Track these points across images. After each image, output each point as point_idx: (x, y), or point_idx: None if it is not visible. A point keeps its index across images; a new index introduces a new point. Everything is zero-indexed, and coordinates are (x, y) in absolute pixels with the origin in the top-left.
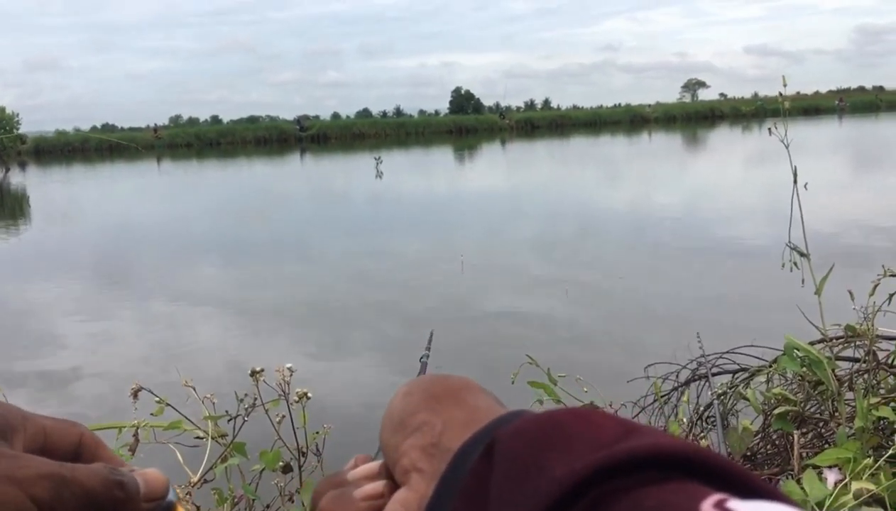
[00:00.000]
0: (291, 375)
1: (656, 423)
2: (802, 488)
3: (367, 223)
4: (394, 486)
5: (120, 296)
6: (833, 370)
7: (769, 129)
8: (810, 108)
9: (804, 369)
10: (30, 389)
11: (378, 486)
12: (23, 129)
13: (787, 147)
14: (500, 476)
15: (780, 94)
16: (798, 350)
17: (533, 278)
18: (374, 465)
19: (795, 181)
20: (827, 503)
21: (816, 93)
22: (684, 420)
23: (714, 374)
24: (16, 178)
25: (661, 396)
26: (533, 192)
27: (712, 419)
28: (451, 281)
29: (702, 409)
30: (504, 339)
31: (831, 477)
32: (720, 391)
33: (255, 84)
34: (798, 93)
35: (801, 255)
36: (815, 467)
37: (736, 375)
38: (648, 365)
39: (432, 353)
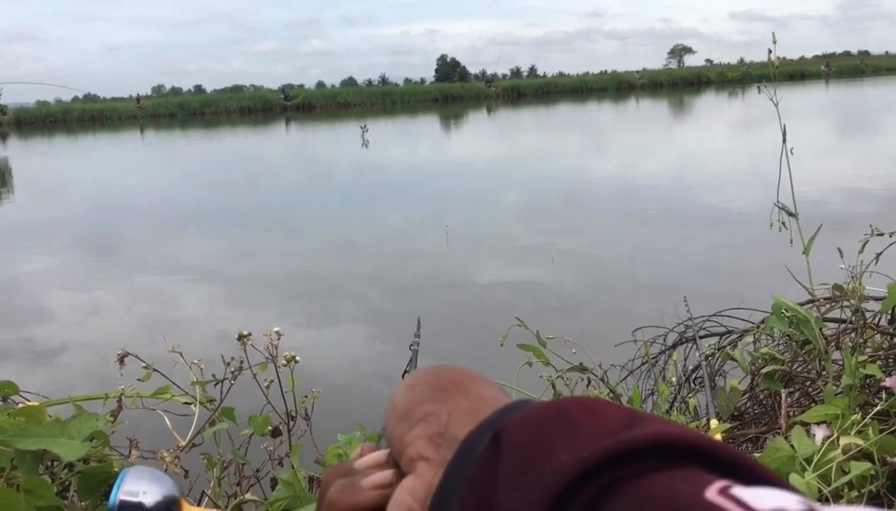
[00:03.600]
0: (279, 339)
1: (644, 385)
2: (791, 445)
3: (354, 193)
4: (401, 474)
5: (106, 268)
6: (820, 329)
7: (758, 87)
8: (796, 73)
9: (792, 329)
10: (17, 362)
11: (386, 474)
12: (2, 101)
13: (776, 105)
14: (507, 464)
15: (770, 51)
16: (786, 310)
17: (519, 247)
18: (381, 454)
19: (784, 140)
20: (815, 458)
21: (802, 58)
22: (673, 380)
23: (701, 337)
24: None
25: (650, 359)
26: (519, 160)
27: (700, 380)
28: (438, 250)
29: (690, 370)
30: (491, 307)
31: (820, 433)
32: (708, 353)
33: (237, 54)
34: (784, 58)
35: (790, 214)
36: (803, 424)
37: (723, 337)
38: (636, 329)
39: (422, 340)
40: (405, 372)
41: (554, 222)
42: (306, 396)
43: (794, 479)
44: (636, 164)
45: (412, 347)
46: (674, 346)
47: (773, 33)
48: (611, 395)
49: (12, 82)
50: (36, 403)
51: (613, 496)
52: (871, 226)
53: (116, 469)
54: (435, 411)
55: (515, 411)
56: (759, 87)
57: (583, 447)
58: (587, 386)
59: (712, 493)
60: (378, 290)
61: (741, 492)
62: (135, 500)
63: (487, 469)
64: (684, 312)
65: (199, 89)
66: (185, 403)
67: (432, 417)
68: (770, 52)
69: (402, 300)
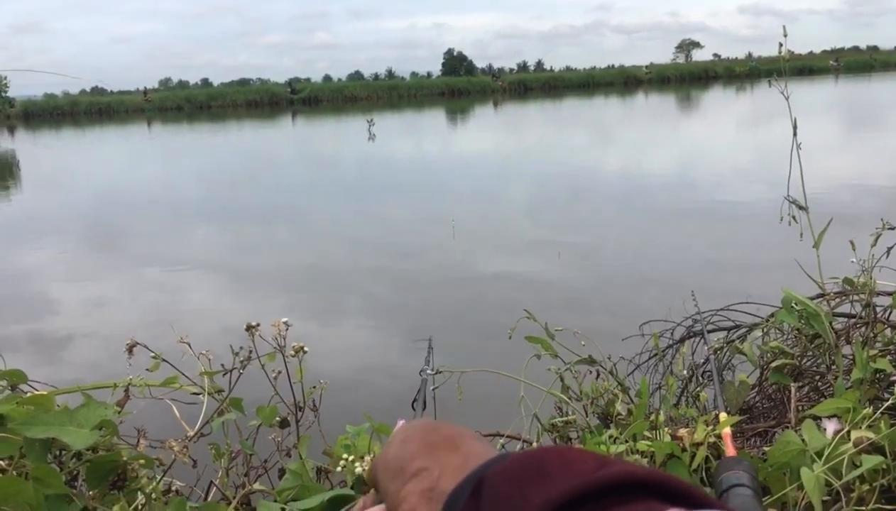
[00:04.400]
0: (287, 329)
1: (651, 379)
2: (802, 438)
3: (360, 187)
4: None
5: (112, 260)
6: (830, 323)
7: (769, 81)
8: (804, 68)
9: (801, 323)
10: (25, 354)
11: None
12: (10, 93)
13: (787, 99)
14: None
15: (781, 45)
16: (796, 303)
17: (525, 242)
18: (377, 510)
19: (795, 133)
20: (826, 452)
21: (810, 53)
22: (684, 372)
23: (709, 331)
24: (4, 142)
25: (656, 353)
26: (525, 154)
27: (708, 375)
28: (444, 245)
29: (697, 365)
30: (497, 302)
31: (831, 427)
32: (717, 346)
33: (243, 47)
34: (792, 53)
35: (800, 208)
36: (813, 418)
37: (731, 332)
38: (643, 323)
39: (429, 333)
40: (414, 401)
41: (560, 217)
42: (314, 387)
43: (804, 472)
44: (643, 160)
45: (422, 375)
46: (681, 340)
47: (783, 27)
48: (619, 388)
49: (23, 70)
50: (44, 392)
51: None
52: (882, 220)
53: (125, 458)
54: (427, 467)
55: (497, 463)
56: (769, 80)
57: (554, 489)
58: (596, 378)
59: None
60: (384, 284)
61: None
62: None
63: None
64: (691, 307)
65: (205, 82)
66: (194, 394)
67: (425, 473)
68: (781, 45)
69: (408, 294)
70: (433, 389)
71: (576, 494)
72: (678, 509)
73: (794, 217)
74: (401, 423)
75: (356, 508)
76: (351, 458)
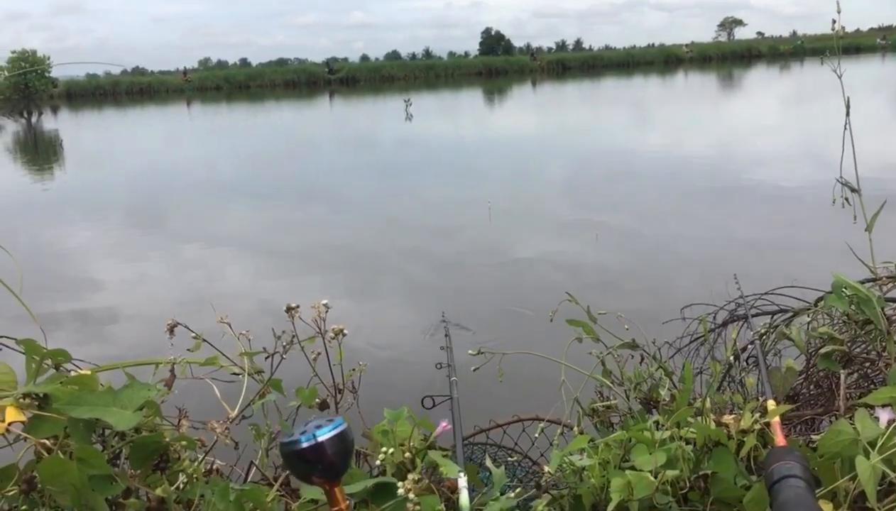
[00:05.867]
0: (327, 312)
1: (693, 363)
2: (854, 427)
3: (397, 167)
4: None
5: (153, 239)
6: (882, 309)
7: (821, 59)
8: (850, 46)
9: (852, 308)
10: (69, 331)
11: None
12: (54, 74)
13: (840, 77)
14: None
15: (834, 22)
16: (846, 288)
17: (562, 223)
18: None
19: (848, 113)
20: (880, 442)
21: (857, 31)
22: (731, 359)
23: (754, 315)
24: (48, 122)
25: (697, 338)
26: (563, 135)
27: (753, 360)
28: (480, 226)
29: (742, 349)
30: (533, 284)
31: (884, 416)
32: (762, 331)
33: (280, 26)
34: (844, 29)
35: (853, 190)
36: (865, 406)
37: (775, 316)
38: (684, 306)
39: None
40: (424, 398)
41: (598, 198)
42: (353, 369)
43: (860, 461)
44: (683, 140)
45: (440, 367)
46: (724, 325)
47: (837, 2)
48: (663, 372)
49: (68, 64)
50: (88, 372)
51: None
52: None
53: (168, 440)
54: None
55: None
56: (821, 58)
57: None
58: (640, 362)
59: None
60: (420, 265)
61: None
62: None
63: None
64: (733, 291)
65: (244, 62)
66: (234, 374)
67: None
68: (834, 22)
69: (444, 275)
70: (473, 369)
71: None
72: None
73: (846, 199)
74: (443, 424)
75: None
76: (391, 450)
